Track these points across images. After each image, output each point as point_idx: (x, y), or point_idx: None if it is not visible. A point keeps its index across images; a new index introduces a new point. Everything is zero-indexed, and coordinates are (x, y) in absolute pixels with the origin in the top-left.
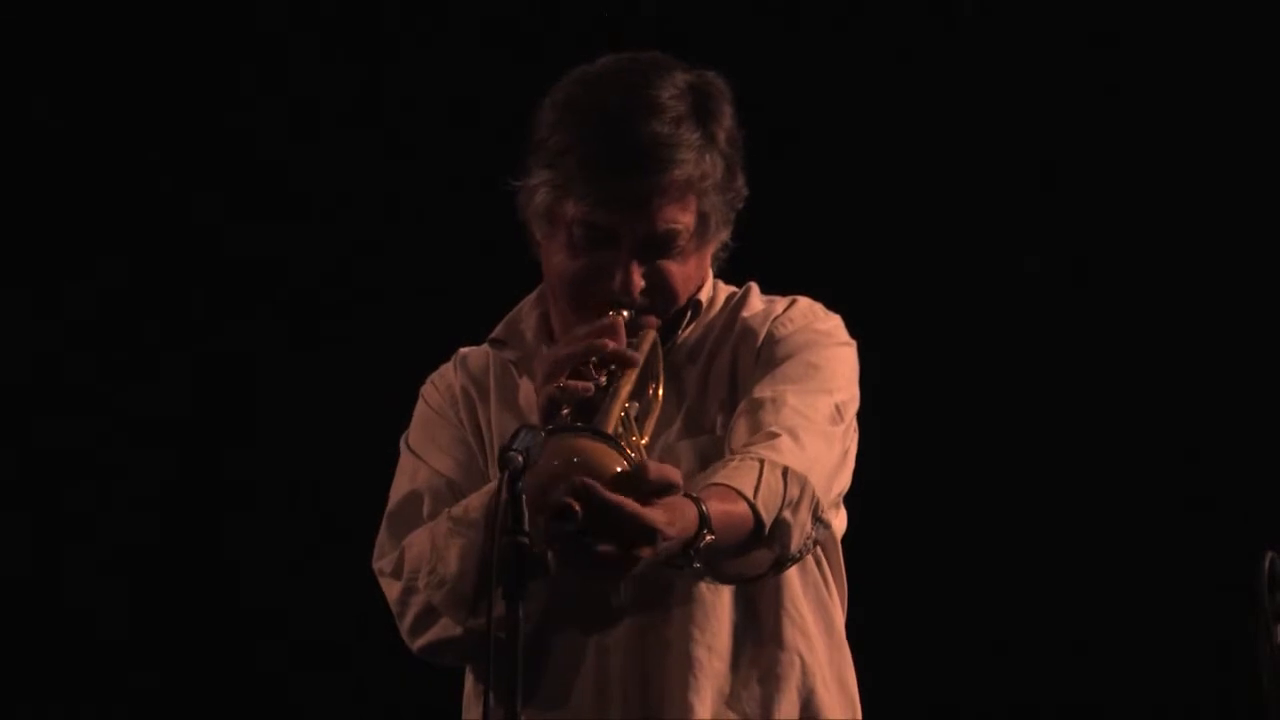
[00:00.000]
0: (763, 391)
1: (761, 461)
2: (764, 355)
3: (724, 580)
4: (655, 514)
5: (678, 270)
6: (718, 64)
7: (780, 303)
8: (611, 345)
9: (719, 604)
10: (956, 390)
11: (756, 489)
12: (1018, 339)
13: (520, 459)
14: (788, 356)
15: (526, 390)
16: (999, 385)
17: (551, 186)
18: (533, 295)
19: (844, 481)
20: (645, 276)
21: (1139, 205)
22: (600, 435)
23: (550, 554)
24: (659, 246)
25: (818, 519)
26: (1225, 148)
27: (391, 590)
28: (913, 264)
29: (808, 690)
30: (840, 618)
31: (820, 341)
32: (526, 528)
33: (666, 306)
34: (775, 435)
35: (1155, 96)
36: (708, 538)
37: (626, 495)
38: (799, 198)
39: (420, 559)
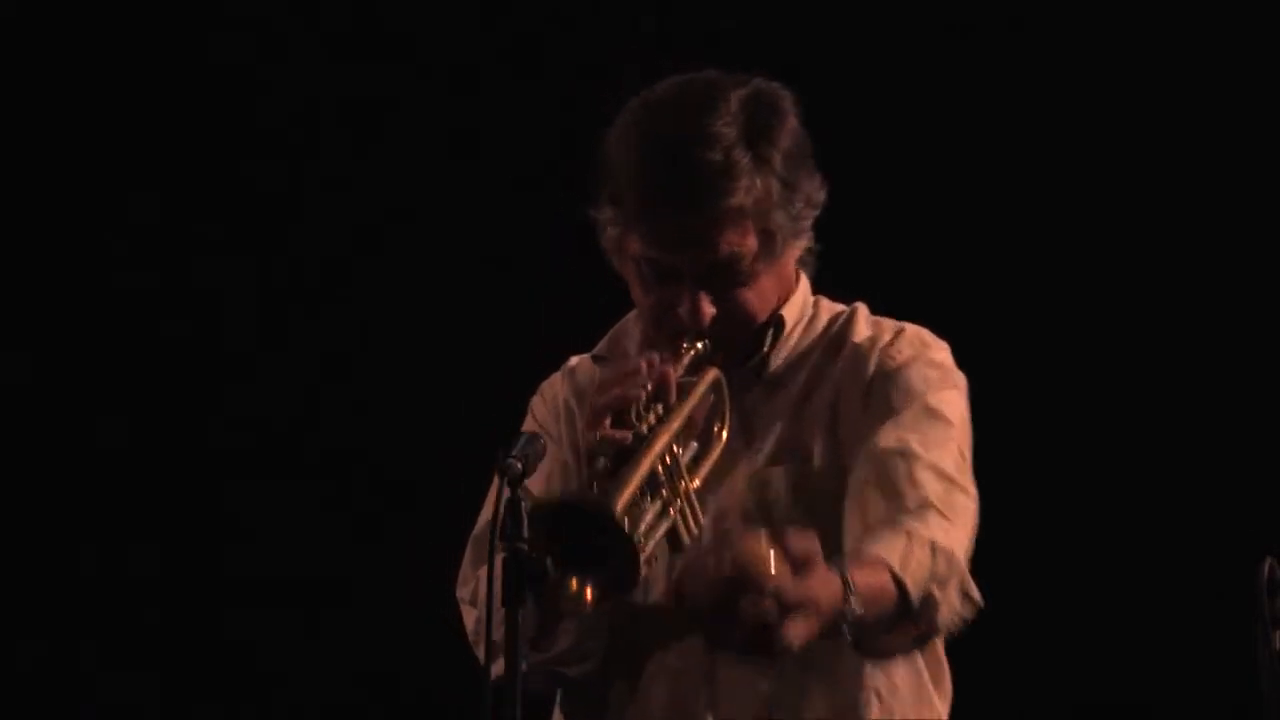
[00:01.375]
0: (887, 441)
1: (909, 535)
2: (876, 391)
3: (868, 654)
4: (814, 589)
5: (750, 295)
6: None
7: (888, 328)
8: (642, 393)
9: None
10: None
11: (904, 563)
12: (1018, 342)
13: (519, 466)
14: (905, 397)
15: None
16: (1000, 389)
17: (615, 223)
18: (635, 313)
19: None
20: (716, 304)
21: (1142, 209)
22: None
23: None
24: (723, 275)
25: (966, 596)
26: (1223, 148)
27: (469, 618)
28: (896, 268)
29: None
30: (935, 676)
31: (937, 380)
32: (525, 534)
33: (743, 332)
34: (921, 509)
35: (1149, 102)
36: (857, 610)
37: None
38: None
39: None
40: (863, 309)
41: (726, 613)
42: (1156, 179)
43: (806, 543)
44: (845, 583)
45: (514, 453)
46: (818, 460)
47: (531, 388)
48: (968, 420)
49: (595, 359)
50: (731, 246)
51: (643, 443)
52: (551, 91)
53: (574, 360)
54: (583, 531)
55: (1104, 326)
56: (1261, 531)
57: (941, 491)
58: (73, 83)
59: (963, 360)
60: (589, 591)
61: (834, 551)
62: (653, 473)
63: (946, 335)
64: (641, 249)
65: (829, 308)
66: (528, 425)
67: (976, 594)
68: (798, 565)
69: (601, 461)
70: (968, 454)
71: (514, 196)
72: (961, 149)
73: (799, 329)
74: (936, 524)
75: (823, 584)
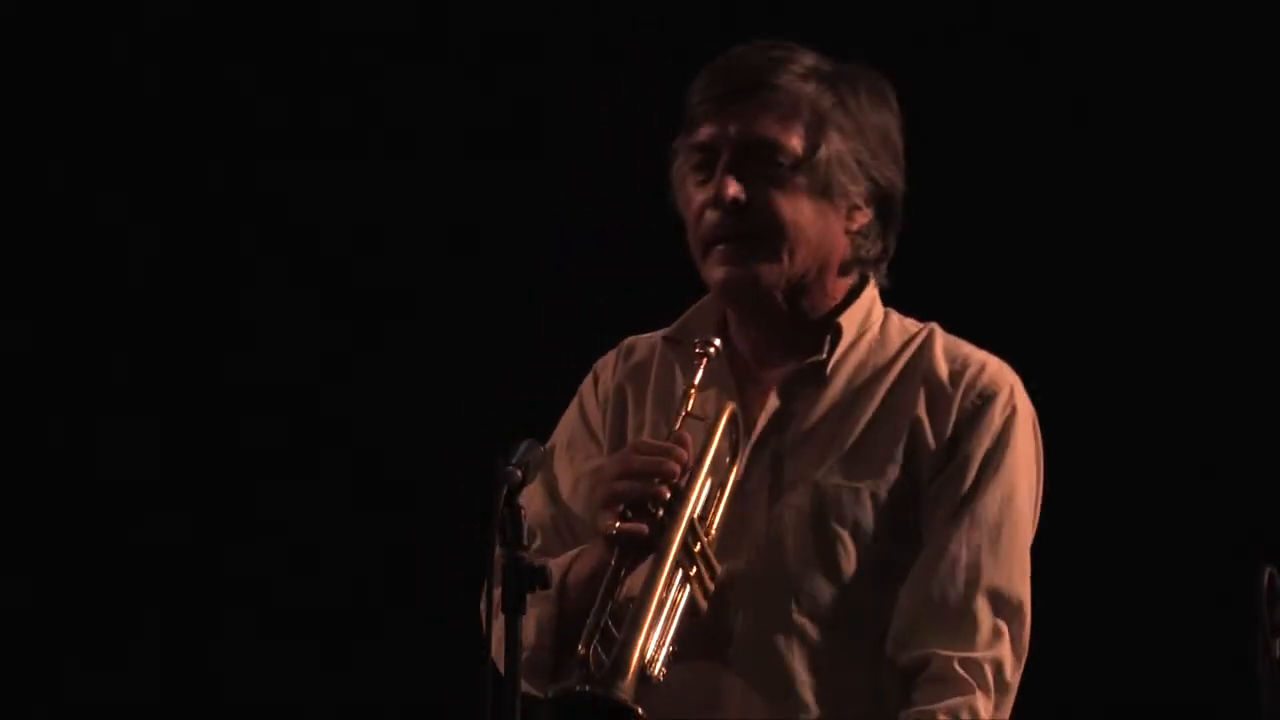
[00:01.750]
0: (957, 546)
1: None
2: (963, 440)
3: None
4: None
5: (783, 199)
6: None
7: (972, 360)
8: (668, 493)
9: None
10: None
11: None
12: (1020, 349)
13: (519, 474)
14: (984, 461)
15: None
16: None
17: (681, 140)
18: (707, 297)
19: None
20: (747, 194)
21: (1144, 214)
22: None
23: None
24: (757, 159)
25: None
26: (1221, 149)
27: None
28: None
29: None
30: None
31: (1024, 458)
32: (526, 542)
33: (772, 239)
34: (971, 672)
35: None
36: None
37: None
38: None
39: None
40: (939, 330)
41: None
42: (1154, 183)
43: None
44: None
45: (513, 461)
46: (886, 475)
47: (532, 389)
48: (1034, 508)
49: (667, 340)
50: (767, 129)
51: (663, 529)
52: (559, 88)
53: (631, 339)
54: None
55: (1106, 335)
56: (1262, 540)
57: (993, 633)
58: (76, 80)
59: None
60: None
61: (881, 602)
62: (683, 543)
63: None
64: (694, 137)
65: (900, 325)
66: (572, 411)
67: None
68: None
69: (617, 551)
70: (1025, 554)
71: (515, 197)
72: (953, 153)
73: (866, 341)
74: (983, 703)
75: None
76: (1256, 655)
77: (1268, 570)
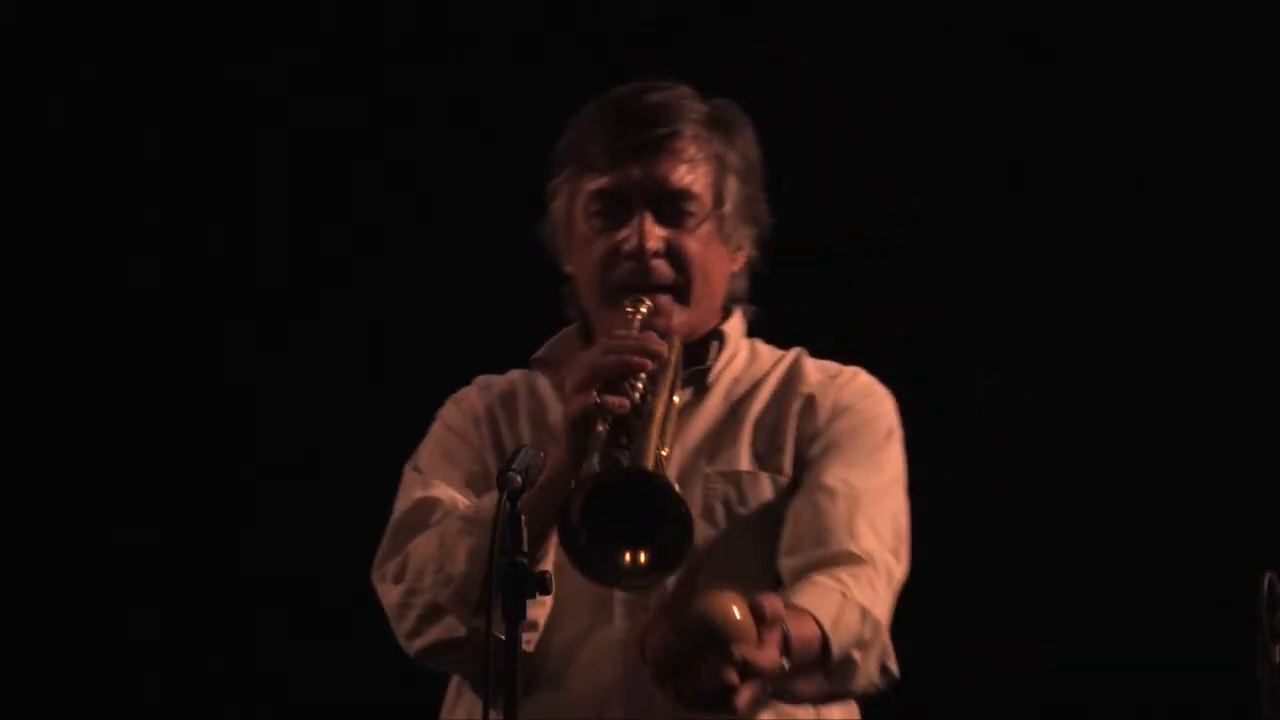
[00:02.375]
0: (833, 479)
1: (844, 595)
2: (830, 430)
3: (777, 695)
4: (772, 655)
5: (696, 246)
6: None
7: (840, 371)
8: (651, 366)
9: None
10: (952, 401)
11: (835, 621)
12: (1021, 354)
13: (519, 479)
14: (855, 441)
15: (559, 413)
16: (1001, 401)
17: (568, 180)
18: (575, 326)
19: None
20: (662, 241)
21: (1144, 214)
22: (672, 497)
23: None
24: (671, 209)
25: (884, 669)
26: (1217, 151)
27: (391, 595)
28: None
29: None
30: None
31: (884, 432)
32: (526, 549)
33: (685, 284)
34: (856, 565)
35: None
36: (785, 665)
37: (749, 636)
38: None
39: (427, 559)
40: (804, 352)
41: (687, 671)
42: (1151, 185)
43: (776, 606)
44: (786, 638)
45: (514, 466)
46: (777, 474)
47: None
48: (902, 477)
49: (536, 363)
50: (680, 179)
51: (640, 412)
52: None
53: (484, 378)
54: (624, 503)
55: (1106, 341)
56: (1262, 546)
57: (876, 550)
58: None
59: (963, 369)
60: (642, 560)
61: (762, 566)
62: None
63: (941, 349)
64: (593, 184)
65: (768, 349)
66: (436, 432)
67: (895, 667)
68: (764, 623)
69: (601, 427)
70: (903, 518)
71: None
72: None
73: (740, 359)
74: (868, 587)
75: (774, 647)
76: (1256, 660)
77: (1268, 575)
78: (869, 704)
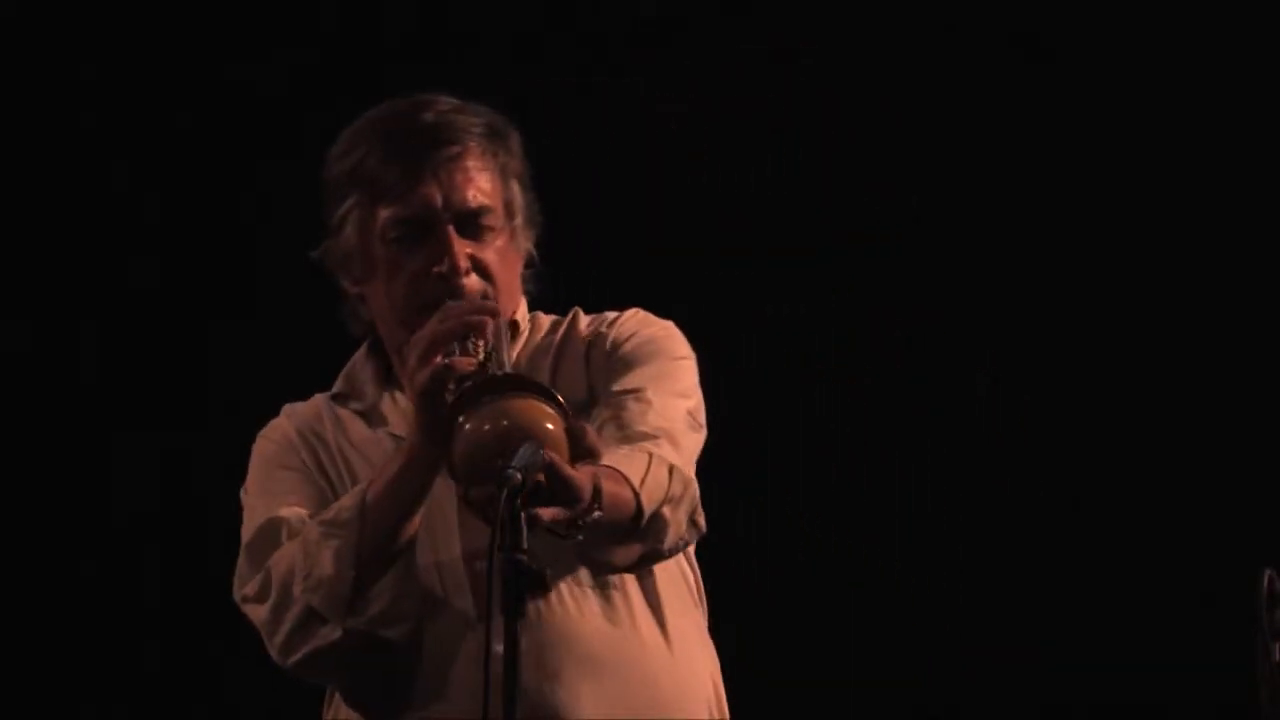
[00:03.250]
0: (624, 386)
1: (650, 455)
2: (613, 358)
3: (595, 567)
4: (584, 480)
5: (494, 258)
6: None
7: (612, 313)
8: (490, 321)
9: (588, 609)
10: (952, 401)
11: (643, 479)
12: (1022, 350)
13: (519, 476)
14: (637, 358)
15: (366, 437)
16: (1000, 399)
17: (356, 208)
18: (363, 350)
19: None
20: (468, 259)
21: (1145, 214)
22: (537, 390)
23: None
24: (471, 225)
25: (693, 522)
26: (1217, 152)
27: (259, 613)
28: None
29: (701, 697)
30: (704, 621)
31: (664, 348)
32: (525, 546)
33: (495, 296)
34: (654, 436)
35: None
36: (596, 513)
37: (560, 452)
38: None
39: (291, 570)
40: (579, 309)
41: (487, 469)
42: (1151, 185)
43: (596, 439)
44: (597, 487)
45: (513, 465)
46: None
47: None
48: (698, 390)
49: (336, 397)
50: (479, 197)
51: (485, 368)
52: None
53: (290, 405)
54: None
55: (1105, 341)
56: (1262, 543)
57: (672, 427)
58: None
59: (963, 369)
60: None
61: None
62: None
63: (941, 349)
64: (390, 211)
65: (545, 316)
66: (257, 462)
67: (703, 522)
68: (581, 454)
69: (452, 387)
70: (698, 416)
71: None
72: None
73: (523, 338)
74: (669, 450)
75: (586, 479)
76: (1256, 658)
77: (1268, 573)
78: (869, 704)
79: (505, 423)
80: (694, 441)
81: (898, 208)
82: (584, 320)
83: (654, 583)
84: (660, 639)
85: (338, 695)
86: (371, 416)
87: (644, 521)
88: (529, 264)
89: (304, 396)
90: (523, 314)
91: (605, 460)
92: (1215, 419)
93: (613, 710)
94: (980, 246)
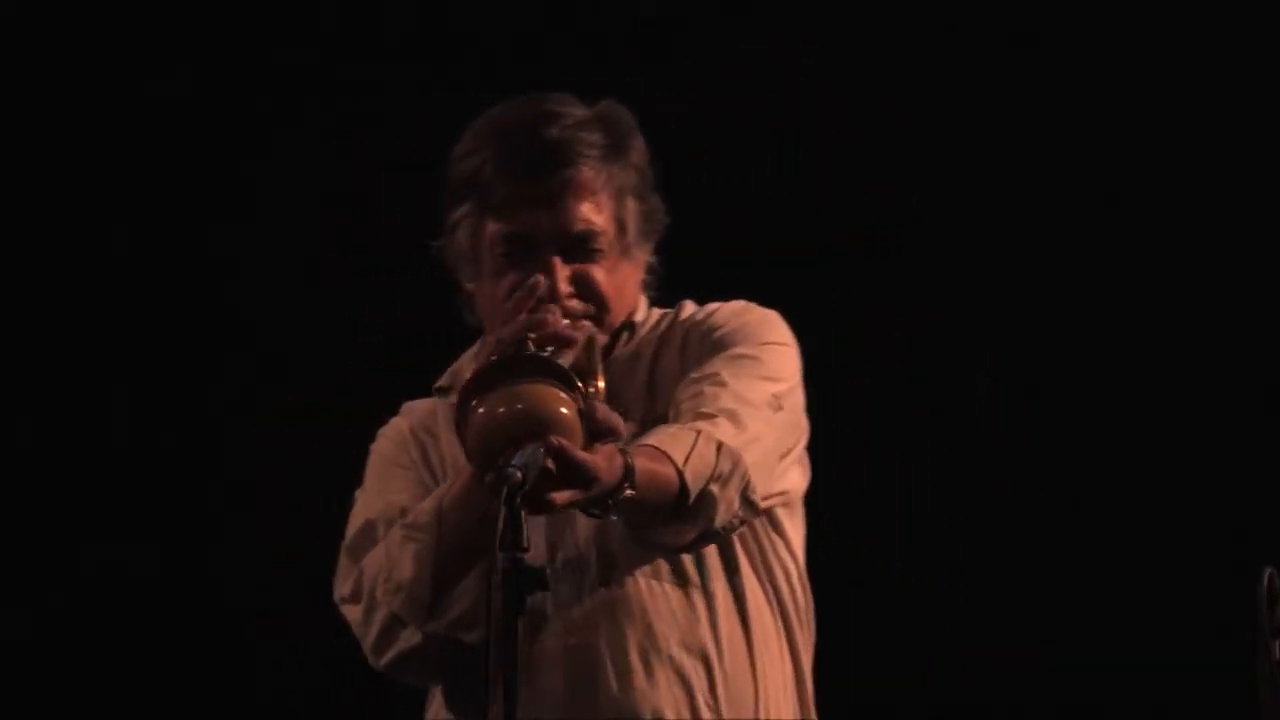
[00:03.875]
0: (704, 371)
1: (698, 432)
2: (704, 346)
3: (647, 546)
4: (598, 461)
5: (603, 276)
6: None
7: (715, 304)
8: (551, 320)
9: (665, 606)
10: (952, 401)
11: (687, 457)
12: (1020, 351)
13: (519, 475)
14: (725, 344)
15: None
16: (1000, 398)
17: (470, 215)
18: (474, 347)
19: (793, 480)
20: (571, 282)
21: (1144, 214)
22: (550, 369)
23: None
24: (578, 248)
25: (746, 500)
26: (1218, 152)
27: (354, 614)
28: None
29: (767, 696)
30: (804, 635)
31: (757, 333)
32: (527, 545)
33: (599, 313)
34: (713, 416)
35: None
36: (628, 491)
37: (572, 435)
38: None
39: (377, 573)
40: (689, 301)
41: (499, 454)
42: (1151, 185)
43: (611, 417)
44: (628, 466)
45: (514, 463)
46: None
47: None
48: (795, 375)
49: (439, 390)
50: (584, 219)
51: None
52: None
53: (409, 403)
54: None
55: (1106, 341)
56: (1261, 541)
57: (740, 407)
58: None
59: (963, 369)
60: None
61: None
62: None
63: (941, 349)
64: (498, 227)
65: (659, 310)
66: (373, 461)
67: (758, 497)
68: (596, 434)
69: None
70: (786, 401)
71: None
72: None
73: (640, 332)
74: (726, 428)
75: (606, 458)
76: (1256, 657)
77: (1268, 571)
78: (869, 704)
79: (519, 406)
80: (766, 422)
81: (898, 208)
82: (687, 311)
83: (741, 583)
84: (742, 639)
85: (438, 694)
86: None
87: (690, 499)
88: (649, 271)
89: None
90: (639, 315)
91: (649, 439)
92: (1215, 419)
93: (691, 710)
94: (980, 246)
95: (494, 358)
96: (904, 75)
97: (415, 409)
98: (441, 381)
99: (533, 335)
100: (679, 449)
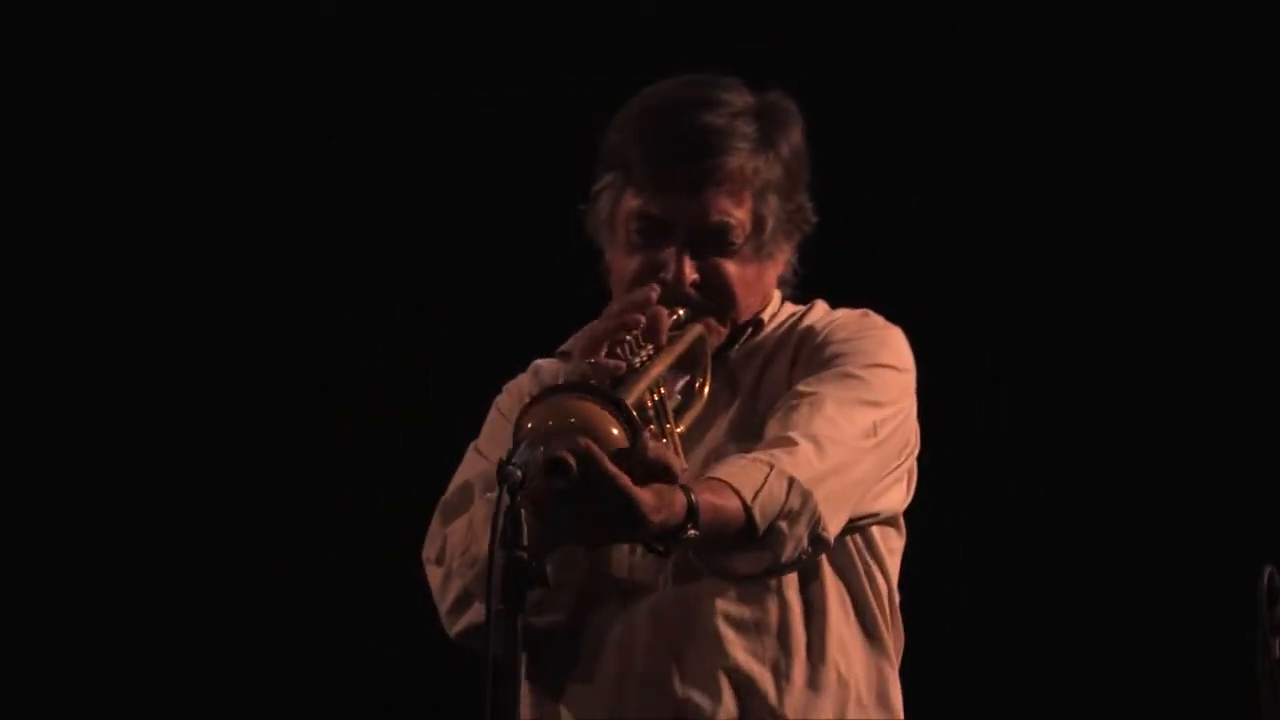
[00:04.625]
0: (807, 386)
1: (770, 466)
2: (814, 358)
3: (718, 573)
4: (645, 496)
5: (734, 270)
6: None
7: (842, 311)
8: (643, 318)
9: (741, 612)
10: (952, 400)
11: (757, 493)
12: (1020, 349)
13: (519, 474)
14: (834, 358)
15: None
16: (1002, 397)
17: (613, 186)
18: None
19: (890, 501)
20: (700, 272)
21: (1145, 213)
22: (608, 399)
23: (531, 509)
24: (712, 240)
25: (816, 537)
26: (1218, 152)
27: (434, 577)
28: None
29: (841, 703)
30: (890, 640)
31: (869, 352)
32: (526, 542)
33: (724, 307)
34: (795, 442)
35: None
36: (691, 532)
37: (624, 468)
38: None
39: (459, 542)
40: (821, 302)
41: (544, 481)
42: (1151, 185)
43: (663, 454)
44: (691, 506)
45: (514, 460)
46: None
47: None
48: (901, 400)
49: (561, 355)
50: (722, 212)
51: (635, 373)
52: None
53: (539, 361)
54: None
55: (1106, 341)
56: (1261, 539)
57: (830, 433)
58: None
59: (964, 368)
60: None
61: None
62: (642, 404)
63: (941, 349)
64: (636, 203)
65: (791, 307)
66: (492, 417)
67: (829, 535)
68: (649, 473)
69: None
70: (883, 429)
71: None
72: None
73: (766, 329)
74: (806, 459)
75: (656, 495)
76: (1256, 655)
77: (1268, 569)
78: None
79: (571, 420)
80: (854, 451)
81: (898, 208)
82: (814, 315)
83: (821, 587)
84: (820, 647)
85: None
86: None
87: (759, 534)
88: (790, 269)
89: None
90: (769, 312)
91: (720, 471)
92: (1215, 419)
93: (754, 712)
94: (980, 246)
95: (560, 381)
96: (904, 75)
97: (542, 368)
98: (565, 347)
99: (630, 339)
100: (749, 484)
